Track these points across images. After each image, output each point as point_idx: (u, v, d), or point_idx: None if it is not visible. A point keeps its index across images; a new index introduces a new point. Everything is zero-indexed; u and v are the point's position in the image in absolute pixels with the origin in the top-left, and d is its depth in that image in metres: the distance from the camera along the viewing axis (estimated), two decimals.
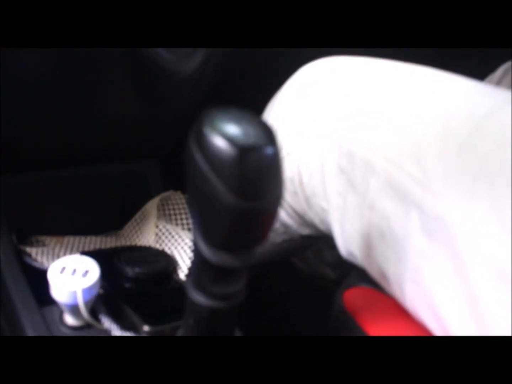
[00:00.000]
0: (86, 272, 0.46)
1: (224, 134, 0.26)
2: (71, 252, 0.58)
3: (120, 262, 0.53)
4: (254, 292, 0.38)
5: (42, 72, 0.50)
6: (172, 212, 0.63)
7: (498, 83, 0.64)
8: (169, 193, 0.64)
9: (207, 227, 0.29)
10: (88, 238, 0.61)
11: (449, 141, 0.38)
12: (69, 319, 0.47)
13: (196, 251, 0.30)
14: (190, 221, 0.62)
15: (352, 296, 0.48)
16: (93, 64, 0.50)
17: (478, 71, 0.51)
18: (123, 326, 0.47)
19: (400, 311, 0.43)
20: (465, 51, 0.66)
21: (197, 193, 0.28)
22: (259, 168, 0.27)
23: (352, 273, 0.50)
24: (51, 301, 0.46)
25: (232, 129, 0.27)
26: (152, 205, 0.62)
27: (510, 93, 0.40)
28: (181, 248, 0.58)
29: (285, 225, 0.54)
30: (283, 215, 0.53)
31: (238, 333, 0.45)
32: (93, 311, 0.48)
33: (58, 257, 0.55)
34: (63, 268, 0.45)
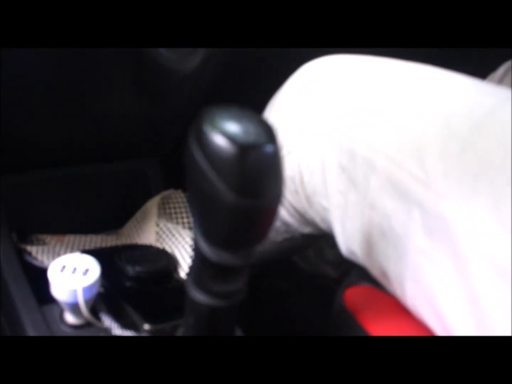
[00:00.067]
0: (87, 270, 0.46)
1: (224, 132, 0.26)
2: (72, 251, 0.58)
3: (121, 260, 0.53)
4: (254, 290, 0.38)
5: (43, 72, 0.50)
6: (172, 210, 0.63)
7: (500, 81, 0.64)
8: (170, 192, 0.64)
9: (208, 226, 0.29)
10: (89, 236, 0.61)
11: (450, 140, 0.38)
12: (70, 318, 0.47)
13: (197, 249, 0.30)
14: (190, 219, 0.62)
15: (353, 295, 0.48)
16: (93, 63, 0.50)
17: (479, 71, 0.51)
18: (124, 324, 0.47)
19: (401, 310, 0.43)
20: (465, 51, 0.66)
21: (197, 191, 0.28)
22: (259, 166, 0.27)
23: (353, 272, 0.50)
24: (51, 300, 0.46)
25: (232, 127, 0.26)
26: (152, 204, 0.62)
27: (510, 91, 0.40)
28: (181, 247, 0.58)
29: (286, 224, 0.54)
30: (284, 213, 0.53)
31: (238, 331, 0.45)
32: (94, 309, 0.48)
33: (59, 255, 0.55)
34: (64, 267, 0.45)
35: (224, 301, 0.32)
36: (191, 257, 0.55)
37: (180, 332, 0.37)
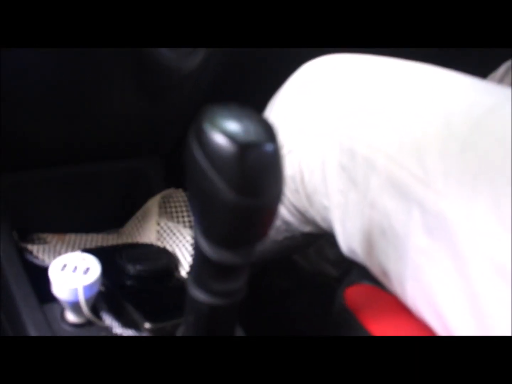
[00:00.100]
0: (87, 269, 0.46)
1: (224, 130, 0.26)
2: (73, 250, 0.58)
3: (122, 259, 0.53)
4: (255, 289, 0.38)
5: (43, 72, 0.50)
6: (173, 209, 0.63)
7: (500, 81, 0.64)
8: (171, 191, 0.64)
9: (208, 224, 0.29)
10: (90, 235, 0.61)
11: (449, 139, 0.38)
12: (70, 316, 0.48)
13: (197, 248, 0.30)
14: (191, 218, 0.62)
15: (353, 294, 0.48)
16: (93, 63, 0.50)
17: (479, 70, 0.51)
18: (124, 323, 0.47)
19: (401, 309, 0.43)
20: (465, 51, 0.66)
21: (197, 190, 0.28)
22: (259, 165, 0.27)
23: (353, 271, 0.50)
24: (52, 299, 0.46)
25: (232, 125, 0.26)
26: (153, 203, 0.62)
27: (510, 90, 0.40)
28: (182, 246, 0.58)
29: (286, 223, 0.54)
30: (285, 212, 0.53)
31: (239, 330, 0.45)
32: (94, 308, 0.48)
33: (60, 254, 0.55)
34: (64, 266, 0.46)
35: (225, 299, 0.32)
36: (191, 255, 0.55)
37: (180, 331, 0.37)
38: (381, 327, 0.44)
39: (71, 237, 0.60)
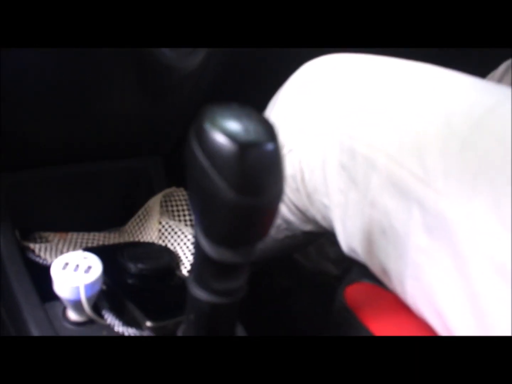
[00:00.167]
0: (89, 268, 0.46)
1: (225, 130, 0.26)
2: (74, 248, 0.58)
3: (123, 258, 0.53)
4: (256, 288, 0.38)
5: (43, 72, 0.50)
6: (175, 208, 0.63)
7: (500, 80, 0.64)
8: (172, 190, 0.64)
9: (208, 223, 0.29)
10: (91, 234, 0.61)
11: (450, 138, 0.38)
12: (72, 315, 0.48)
13: (197, 247, 0.30)
14: (192, 217, 0.62)
15: (354, 292, 0.48)
16: (93, 63, 0.50)
17: (479, 70, 0.51)
18: (126, 321, 0.47)
19: (402, 307, 0.43)
20: (465, 51, 0.66)
21: (198, 189, 0.28)
22: (260, 164, 0.27)
23: (354, 269, 0.50)
24: (54, 297, 0.47)
25: (233, 125, 0.27)
26: (155, 202, 0.62)
27: (510, 90, 0.40)
28: (183, 244, 0.58)
29: (287, 221, 0.54)
30: (285, 211, 0.53)
31: (240, 328, 0.45)
32: (96, 307, 0.48)
33: (61, 253, 0.56)
34: (66, 264, 0.46)
35: (225, 298, 0.32)
36: (193, 254, 0.55)
37: (181, 329, 0.37)
38: (381, 325, 0.44)
39: (73, 235, 0.60)
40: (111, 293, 0.49)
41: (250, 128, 0.27)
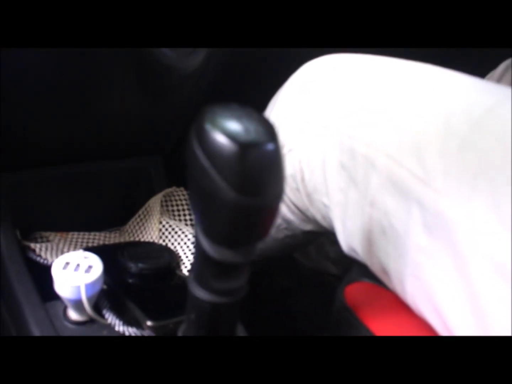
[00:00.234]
0: (90, 267, 0.46)
1: (225, 130, 0.26)
2: (75, 248, 0.58)
3: (124, 257, 0.53)
4: (256, 287, 0.38)
5: (43, 72, 0.50)
6: (175, 208, 0.63)
7: (499, 80, 0.64)
8: (172, 189, 0.64)
9: (208, 223, 0.29)
10: (92, 234, 0.61)
11: (449, 138, 0.38)
12: (73, 314, 0.48)
13: (198, 246, 0.30)
14: (192, 216, 0.62)
15: (354, 291, 0.49)
16: (93, 63, 0.50)
17: (479, 70, 0.51)
18: (126, 321, 0.47)
19: (401, 306, 0.43)
20: (465, 51, 0.66)
21: (198, 189, 0.28)
22: (260, 165, 0.27)
23: (354, 269, 0.50)
24: (55, 297, 0.47)
25: (233, 125, 0.27)
26: (155, 201, 0.62)
27: (510, 89, 0.40)
28: (184, 244, 0.58)
29: (287, 221, 0.54)
30: (285, 211, 0.53)
31: (240, 328, 0.45)
32: (97, 306, 0.48)
33: (62, 253, 0.56)
34: (67, 264, 0.46)
35: (226, 298, 0.32)
36: (193, 254, 0.55)
37: (182, 329, 0.37)
38: (381, 324, 0.44)
39: (74, 235, 0.60)
40: (111, 293, 0.49)
41: (251, 128, 0.27)
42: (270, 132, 0.27)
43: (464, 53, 0.67)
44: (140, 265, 0.52)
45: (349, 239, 0.46)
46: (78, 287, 0.45)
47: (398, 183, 0.40)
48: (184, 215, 0.63)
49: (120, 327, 0.47)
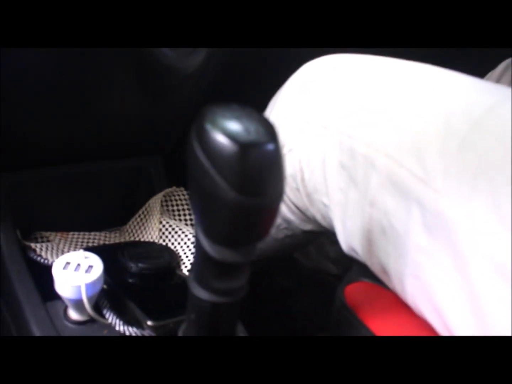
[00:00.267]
0: (90, 267, 0.46)
1: (225, 130, 0.26)
2: (75, 248, 0.58)
3: (124, 257, 0.53)
4: (256, 287, 0.38)
5: (43, 72, 0.50)
6: (175, 208, 0.63)
7: (498, 80, 0.64)
8: (172, 189, 0.64)
9: (209, 223, 0.29)
10: (92, 234, 0.62)
11: (449, 138, 0.38)
12: (73, 314, 0.48)
13: (198, 246, 0.30)
14: (193, 216, 0.62)
15: (354, 291, 0.49)
16: (93, 63, 0.50)
17: (478, 70, 0.51)
18: (127, 321, 0.47)
19: (401, 306, 0.43)
20: (465, 51, 0.66)
21: (198, 189, 0.28)
22: (260, 165, 0.27)
23: (354, 268, 0.50)
24: (55, 296, 0.47)
25: (233, 125, 0.27)
26: (155, 201, 0.62)
27: (509, 89, 0.40)
28: (184, 244, 0.58)
29: (287, 221, 0.54)
30: (285, 210, 0.53)
31: (240, 328, 0.45)
32: (97, 306, 0.48)
33: (63, 253, 0.56)
34: (67, 264, 0.46)
35: (226, 297, 0.32)
36: (193, 253, 0.55)
37: (182, 328, 0.37)
38: (381, 324, 0.44)
39: (74, 235, 0.60)
40: (112, 293, 0.49)
41: (251, 128, 0.27)
42: (270, 132, 0.27)
43: (464, 53, 0.67)
44: (140, 265, 0.52)
45: (349, 239, 0.46)
46: (79, 287, 0.45)
47: (398, 183, 0.40)
48: (184, 215, 0.63)
49: (121, 327, 0.47)
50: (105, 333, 0.48)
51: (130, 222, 0.63)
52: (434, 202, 0.37)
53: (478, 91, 0.41)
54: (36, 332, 0.47)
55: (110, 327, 0.47)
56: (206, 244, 0.29)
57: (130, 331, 0.47)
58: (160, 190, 0.63)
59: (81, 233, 0.61)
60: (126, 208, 0.64)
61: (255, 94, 0.52)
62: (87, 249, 0.49)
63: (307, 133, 0.48)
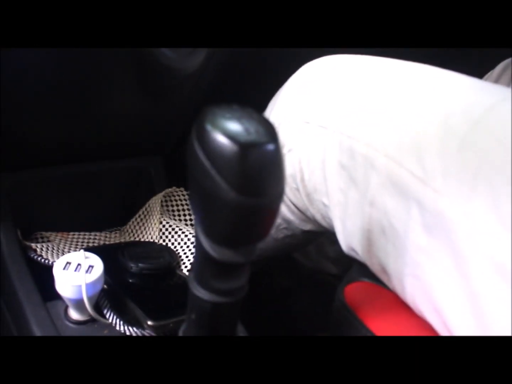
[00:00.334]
0: (90, 267, 0.46)
1: (225, 131, 0.26)
2: (76, 248, 0.59)
3: (124, 257, 0.53)
4: (256, 287, 0.38)
5: (43, 72, 0.50)
6: (175, 208, 0.63)
7: (497, 80, 0.64)
8: (172, 189, 0.64)
9: (209, 223, 0.29)
10: (92, 234, 0.62)
11: (449, 138, 0.38)
12: (74, 314, 0.48)
13: (198, 246, 0.30)
14: (193, 216, 0.62)
15: (353, 291, 0.49)
16: (93, 63, 0.50)
17: (478, 71, 0.51)
18: (127, 320, 0.47)
19: (401, 306, 0.43)
20: (465, 51, 0.66)
21: (198, 189, 0.28)
22: (260, 165, 0.27)
23: (354, 268, 0.50)
24: (56, 296, 0.47)
25: (233, 126, 0.27)
26: (155, 201, 0.62)
27: (509, 89, 0.40)
28: (184, 244, 0.58)
29: (286, 221, 0.54)
30: (285, 210, 0.53)
31: (240, 328, 0.45)
32: (97, 306, 0.48)
33: (63, 253, 0.56)
34: (68, 264, 0.46)
35: (226, 297, 0.32)
36: (193, 253, 0.55)
37: (182, 328, 0.37)
38: (380, 324, 0.44)
39: (74, 235, 0.61)
40: (112, 292, 0.50)
41: (251, 128, 0.27)
42: (270, 132, 0.27)
43: (464, 53, 0.67)
44: (140, 265, 0.52)
45: (348, 239, 0.46)
46: (79, 287, 0.45)
47: (398, 183, 0.40)
48: (184, 215, 0.63)
49: (121, 327, 0.47)
50: (105, 333, 0.48)
51: (130, 222, 0.63)
52: (434, 202, 0.37)
53: (477, 91, 0.41)
54: (37, 332, 0.47)
55: (111, 327, 0.47)
56: (206, 244, 0.29)
57: (131, 331, 0.47)
58: (160, 190, 0.63)
59: (82, 233, 0.61)
60: (126, 208, 0.64)
61: (255, 94, 0.52)
62: (88, 249, 0.50)
63: (307, 133, 0.48)
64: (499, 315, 0.34)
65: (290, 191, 0.51)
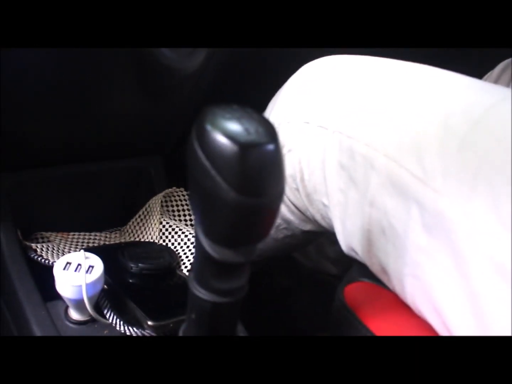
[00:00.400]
0: (91, 267, 0.46)
1: (225, 131, 0.26)
2: (76, 248, 0.59)
3: (124, 257, 0.53)
4: (256, 287, 0.38)
5: (43, 72, 0.50)
6: (175, 208, 0.63)
7: (496, 80, 0.64)
8: (172, 190, 0.64)
9: (209, 223, 0.29)
10: (93, 234, 0.62)
11: (449, 138, 0.38)
12: (74, 314, 0.48)
13: (198, 246, 0.30)
14: (193, 217, 0.62)
15: (353, 291, 0.49)
16: (93, 63, 0.50)
17: (478, 71, 0.51)
18: (127, 320, 0.47)
19: (401, 306, 0.43)
20: (465, 51, 0.66)
21: (198, 189, 0.28)
22: (260, 165, 0.27)
23: (353, 268, 0.50)
24: (56, 296, 0.47)
25: (233, 126, 0.27)
26: (155, 202, 0.62)
27: (509, 89, 0.40)
28: (184, 244, 0.58)
29: (286, 221, 0.54)
30: (285, 211, 0.53)
31: (240, 328, 0.45)
32: (98, 306, 0.48)
33: (63, 253, 0.56)
34: (68, 264, 0.46)
35: (226, 297, 0.32)
36: (193, 253, 0.56)
37: (182, 328, 0.37)
38: (380, 324, 0.44)
39: (74, 235, 0.61)
40: (112, 292, 0.50)
41: (251, 128, 0.27)
42: (270, 132, 0.27)
43: (464, 53, 0.67)
44: (140, 265, 0.52)
45: (348, 239, 0.46)
46: (80, 287, 0.45)
47: (398, 183, 0.40)
48: (184, 215, 0.63)
49: (121, 327, 0.47)
50: (105, 333, 0.48)
51: (130, 223, 0.63)
52: (434, 202, 0.37)
53: (477, 91, 0.41)
54: (37, 332, 0.47)
55: (111, 327, 0.47)
56: (206, 244, 0.29)
57: (131, 331, 0.47)
58: (160, 191, 0.63)
59: (82, 233, 0.61)
60: (126, 208, 0.64)
61: (255, 94, 0.52)
62: (88, 249, 0.50)
63: (306, 134, 0.48)
64: (499, 315, 0.34)
65: (290, 191, 0.51)
